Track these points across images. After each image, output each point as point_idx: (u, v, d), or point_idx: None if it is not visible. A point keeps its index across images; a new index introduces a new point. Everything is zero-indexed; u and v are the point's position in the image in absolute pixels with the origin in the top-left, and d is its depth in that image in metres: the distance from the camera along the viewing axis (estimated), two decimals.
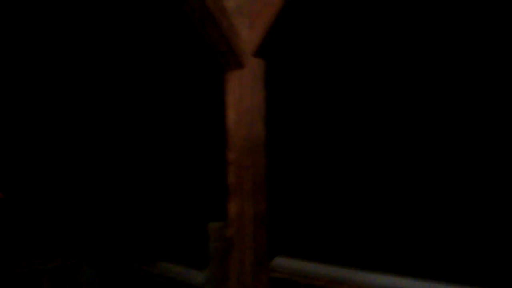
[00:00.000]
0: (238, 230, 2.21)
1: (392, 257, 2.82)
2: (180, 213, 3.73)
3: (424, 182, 3.14)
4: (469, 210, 2.94)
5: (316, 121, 3.37)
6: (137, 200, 3.81)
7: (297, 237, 3.05)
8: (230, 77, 2.26)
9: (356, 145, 3.22)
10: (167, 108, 3.91)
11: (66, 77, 3.76)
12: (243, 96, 2.23)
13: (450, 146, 3.07)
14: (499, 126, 2.90)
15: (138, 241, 3.09)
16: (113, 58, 3.84)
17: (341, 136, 3.28)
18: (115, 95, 3.90)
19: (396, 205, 3.08)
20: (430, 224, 2.98)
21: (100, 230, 3.26)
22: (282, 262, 2.26)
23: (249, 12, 2.21)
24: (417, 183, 3.13)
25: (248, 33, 2.22)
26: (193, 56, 3.64)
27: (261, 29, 2.20)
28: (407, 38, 3.15)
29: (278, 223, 2.36)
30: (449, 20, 3.02)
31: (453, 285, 1.68)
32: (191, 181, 3.73)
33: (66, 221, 3.47)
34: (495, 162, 2.91)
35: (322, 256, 2.25)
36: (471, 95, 3.00)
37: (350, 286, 2.00)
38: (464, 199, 2.98)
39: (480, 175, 2.96)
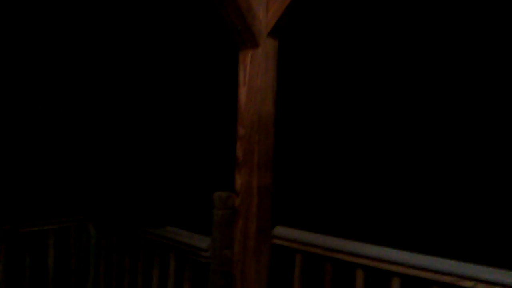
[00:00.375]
0: (244, 200, 2.38)
1: (386, 232, 3.02)
2: (187, 182, 3.88)
3: (418, 159, 3.29)
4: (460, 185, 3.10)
5: (320, 100, 3.51)
6: (145, 166, 3.94)
7: (297, 209, 3.24)
8: (244, 55, 2.38)
9: (359, 124, 3.37)
10: (182, 82, 4.00)
11: (81, 47, 3.78)
12: (256, 74, 2.35)
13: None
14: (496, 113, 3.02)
15: (144, 206, 3.24)
16: (128, 29, 3.87)
17: (343, 117, 3.44)
18: (128, 63, 3.95)
19: (390, 183, 3.26)
20: (424, 198, 3.15)
21: (106, 192, 3.40)
22: (282, 231, 2.45)
23: None
24: (410, 162, 3.29)
25: (264, 13, 2.32)
26: (205, 34, 3.70)
27: (277, 10, 2.31)
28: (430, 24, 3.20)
29: (281, 196, 2.53)
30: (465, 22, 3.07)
31: (443, 258, 1.88)
32: (198, 154, 3.86)
33: (72, 182, 3.59)
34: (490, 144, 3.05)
35: (320, 229, 2.44)
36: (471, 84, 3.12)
37: (344, 254, 2.20)
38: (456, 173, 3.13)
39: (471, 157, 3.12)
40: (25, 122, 3.57)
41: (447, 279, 1.78)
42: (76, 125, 3.79)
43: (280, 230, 2.45)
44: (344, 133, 3.47)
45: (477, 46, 3.07)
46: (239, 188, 2.39)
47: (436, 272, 1.83)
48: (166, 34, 3.95)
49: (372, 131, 3.42)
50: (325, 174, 3.46)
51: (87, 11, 3.84)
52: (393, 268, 2.00)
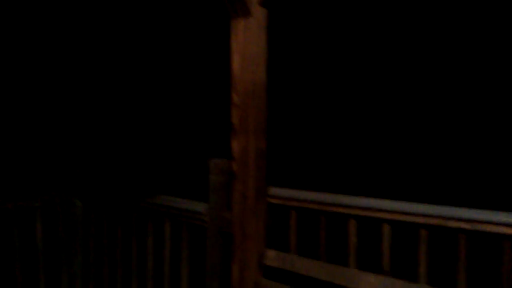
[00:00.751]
0: (242, 164, 2.52)
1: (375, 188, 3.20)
2: (181, 152, 3.92)
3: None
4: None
5: (307, 67, 3.64)
6: (136, 139, 3.92)
7: (289, 171, 3.42)
8: (236, 24, 2.45)
9: (345, 90, 3.54)
10: (177, 50, 3.95)
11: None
12: (249, 42, 2.44)
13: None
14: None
15: (136, 177, 3.29)
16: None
17: (329, 83, 3.61)
18: (121, 31, 3.81)
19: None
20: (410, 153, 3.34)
21: (92, 165, 3.39)
22: (278, 191, 2.62)
23: None
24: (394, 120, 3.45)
25: None
26: (195, 4, 3.66)
27: None
28: None
29: (274, 159, 2.68)
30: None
31: (431, 204, 2.13)
32: (191, 124, 3.88)
33: (55, 157, 3.53)
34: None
35: (311, 188, 2.62)
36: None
37: (337, 206, 2.41)
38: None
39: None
40: (14, 104, 3.45)
41: (434, 221, 2.04)
42: (59, 102, 3.70)
43: (275, 190, 2.62)
44: (328, 99, 3.65)
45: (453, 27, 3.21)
46: (236, 153, 2.52)
47: (424, 216, 2.08)
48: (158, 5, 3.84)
49: (354, 93, 3.61)
50: (312, 139, 3.64)
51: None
52: (384, 215, 2.23)
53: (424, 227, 2.11)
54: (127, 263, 3.13)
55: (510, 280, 1.90)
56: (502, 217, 1.89)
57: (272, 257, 2.58)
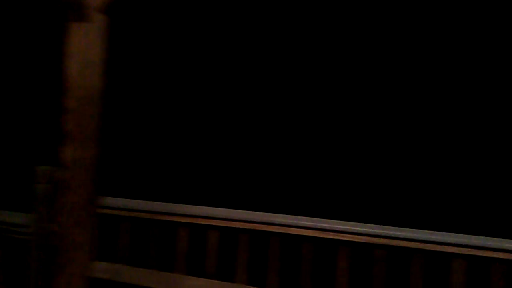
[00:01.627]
0: (74, 173, 2.41)
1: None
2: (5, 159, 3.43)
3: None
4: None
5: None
6: None
7: (123, 180, 3.29)
8: (74, 28, 2.38)
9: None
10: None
11: None
12: (87, 48, 2.39)
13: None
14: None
15: None
16: None
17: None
18: None
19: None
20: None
21: None
22: (109, 201, 2.57)
23: None
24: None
25: None
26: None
27: None
28: None
29: (107, 168, 2.61)
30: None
31: (252, 211, 2.37)
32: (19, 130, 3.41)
33: None
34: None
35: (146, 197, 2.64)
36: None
37: (169, 215, 2.49)
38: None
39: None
40: None
41: (249, 226, 2.31)
42: None
43: (107, 200, 2.56)
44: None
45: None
46: (69, 161, 2.40)
47: (244, 221, 2.33)
48: None
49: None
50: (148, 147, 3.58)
51: None
52: (210, 222, 2.41)
53: (243, 231, 2.35)
54: None
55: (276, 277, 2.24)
56: (305, 221, 2.25)
57: (102, 269, 2.51)
